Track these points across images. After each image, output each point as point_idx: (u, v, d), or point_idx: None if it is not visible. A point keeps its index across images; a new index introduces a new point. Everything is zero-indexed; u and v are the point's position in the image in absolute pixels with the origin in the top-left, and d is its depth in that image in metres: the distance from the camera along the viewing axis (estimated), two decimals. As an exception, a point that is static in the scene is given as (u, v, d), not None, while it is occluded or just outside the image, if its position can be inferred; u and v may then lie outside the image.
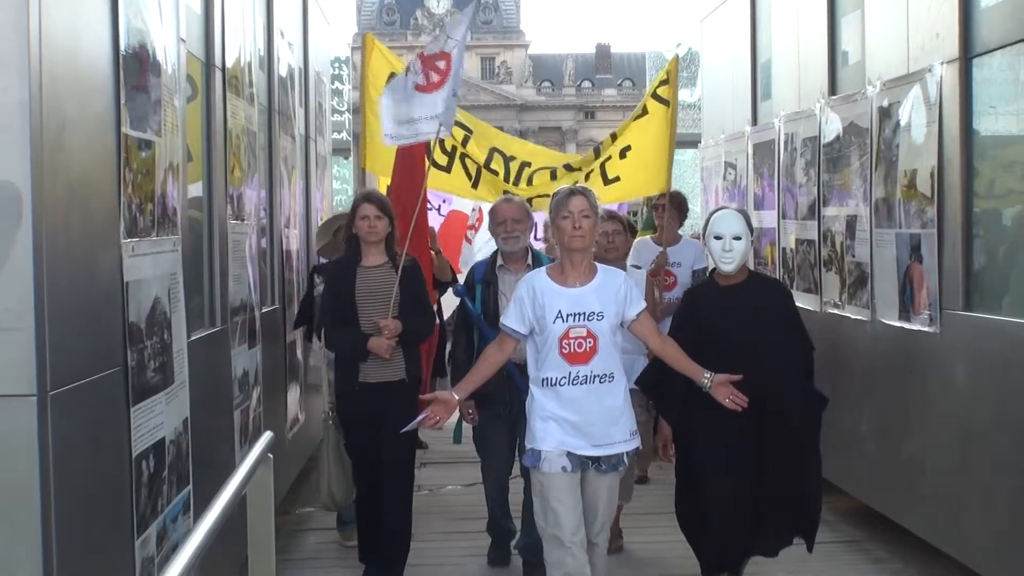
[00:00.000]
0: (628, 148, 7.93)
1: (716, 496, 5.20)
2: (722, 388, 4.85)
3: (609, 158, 7.97)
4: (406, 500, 6.00)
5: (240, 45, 5.90)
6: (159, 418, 4.12)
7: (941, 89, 5.73)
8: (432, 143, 6.66)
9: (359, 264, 5.87)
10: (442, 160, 7.69)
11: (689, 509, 5.43)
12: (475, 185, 7.90)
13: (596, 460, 4.72)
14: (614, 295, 4.72)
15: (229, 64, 5.58)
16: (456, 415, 5.71)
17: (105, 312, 3.63)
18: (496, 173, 7.84)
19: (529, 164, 7.89)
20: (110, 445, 3.65)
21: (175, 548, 4.13)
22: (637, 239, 7.95)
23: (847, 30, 7.34)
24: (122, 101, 3.75)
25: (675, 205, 7.71)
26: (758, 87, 9.25)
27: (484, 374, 4.90)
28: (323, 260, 7.07)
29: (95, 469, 3.51)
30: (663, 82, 7.84)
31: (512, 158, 7.95)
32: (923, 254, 5.94)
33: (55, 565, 3.13)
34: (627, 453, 4.81)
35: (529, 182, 7.80)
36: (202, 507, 4.46)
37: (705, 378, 4.86)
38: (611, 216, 6.39)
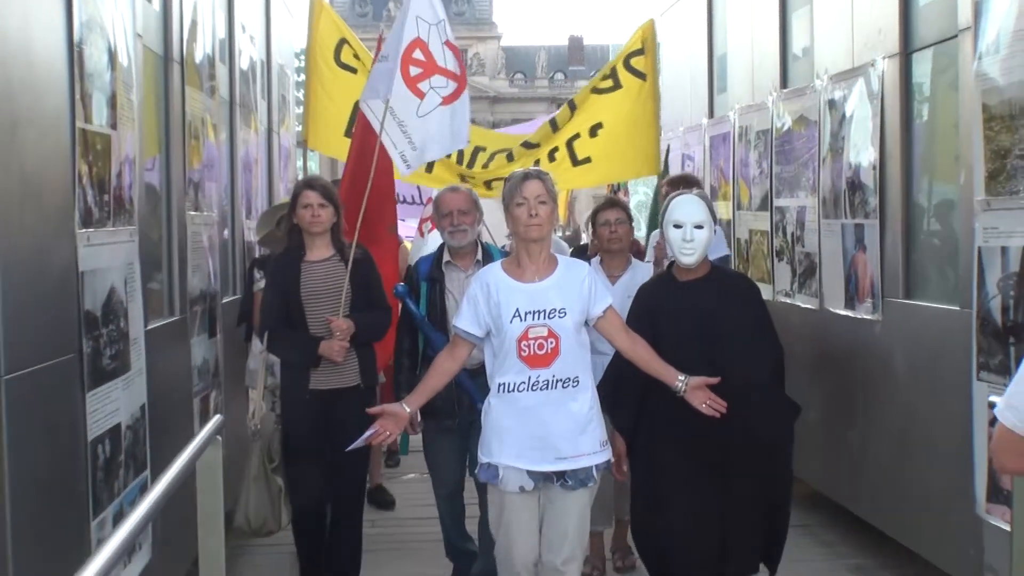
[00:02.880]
0: (599, 126, 7.39)
1: (679, 517, 4.66)
2: (698, 393, 4.40)
3: (577, 136, 7.41)
4: (357, 520, 5.65)
5: (200, 39, 5.99)
6: (115, 404, 4.22)
7: (883, 83, 5.89)
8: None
9: (303, 259, 5.42)
10: None
11: (648, 531, 4.86)
12: (429, 169, 7.29)
13: (561, 475, 4.27)
14: (577, 290, 4.29)
15: (188, 58, 5.68)
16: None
17: (60, 300, 3.73)
18: (448, 155, 7.12)
19: (484, 148, 7.49)
20: (65, 429, 3.75)
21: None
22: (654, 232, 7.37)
23: (798, 25, 7.50)
24: (76, 96, 3.85)
25: (688, 188, 7.17)
26: (714, 80, 9.40)
27: (436, 384, 4.46)
28: (263, 252, 6.70)
29: (50, 452, 3.62)
30: (637, 51, 7.36)
31: (481, 148, 7.51)
32: (866, 244, 6.11)
33: (9, 545, 3.23)
34: (597, 466, 4.33)
35: (485, 165, 7.35)
36: (160, 491, 4.60)
37: (679, 381, 4.40)
38: (612, 203, 5.92)
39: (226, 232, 6.84)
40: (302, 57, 8.21)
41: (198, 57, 5.94)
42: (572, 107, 7.50)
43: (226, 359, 6.52)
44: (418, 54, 5.99)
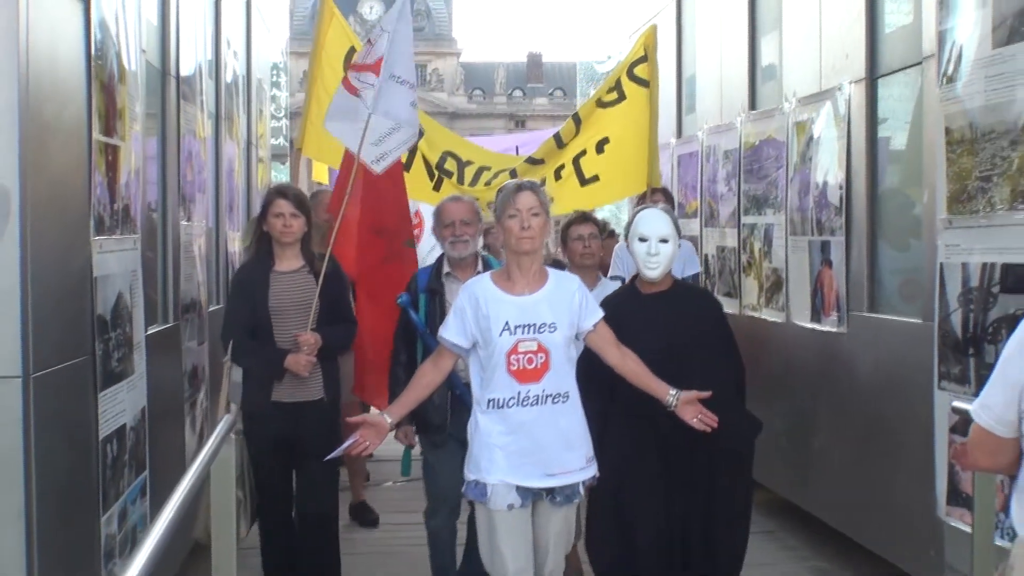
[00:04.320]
0: (606, 140, 7.17)
1: (640, 528, 4.70)
2: (689, 408, 4.33)
3: (584, 153, 7.19)
4: (331, 529, 5.54)
5: (192, 54, 6.17)
6: (122, 405, 4.39)
7: (850, 106, 6.18)
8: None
9: (272, 269, 5.30)
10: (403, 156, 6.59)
11: (605, 542, 4.85)
12: (436, 187, 7.14)
13: (550, 491, 4.20)
14: (568, 303, 4.21)
15: (183, 73, 5.86)
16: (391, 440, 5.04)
17: (77, 304, 3.91)
18: (450, 175, 7.17)
19: (488, 168, 7.28)
20: (81, 427, 3.93)
21: (134, 529, 4.46)
22: (619, 245, 7.31)
23: (766, 48, 7.79)
24: (93, 108, 4.04)
25: (667, 201, 7.01)
26: (683, 101, 9.68)
27: (418, 395, 4.35)
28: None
29: (69, 448, 3.79)
30: (640, 59, 7.16)
31: (468, 162, 7.30)
32: (832, 260, 6.38)
33: (35, 534, 3.41)
34: (583, 482, 4.28)
35: (488, 183, 7.05)
36: (157, 491, 4.77)
37: (670, 396, 4.33)
38: (584, 217, 5.86)
39: (211, 243, 7.00)
40: (275, 72, 8.28)
41: (191, 71, 6.12)
42: (577, 121, 7.28)
43: (212, 368, 6.67)
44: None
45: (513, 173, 6.99)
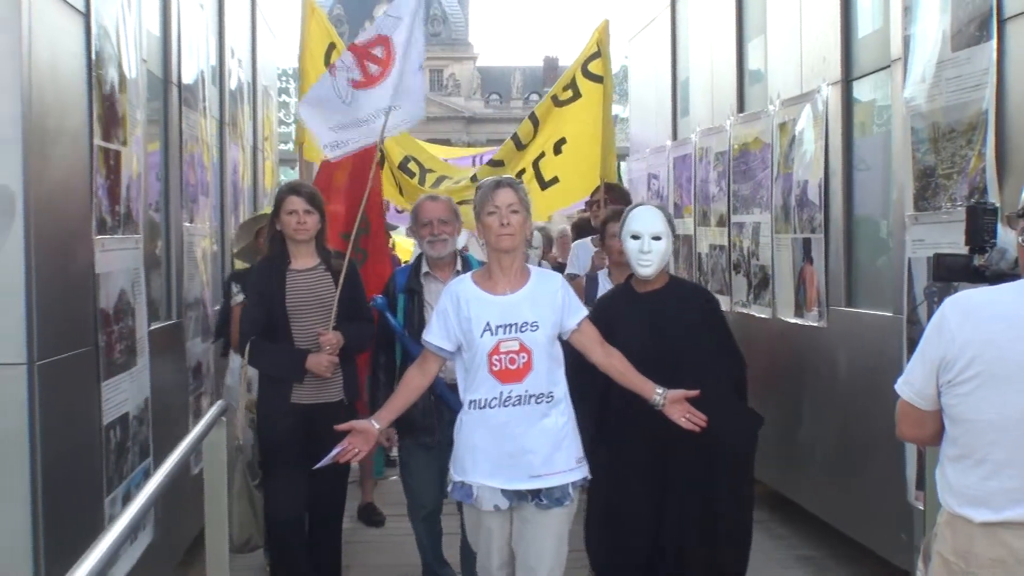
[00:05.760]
0: (563, 141, 7.15)
1: (637, 531, 4.67)
2: (677, 407, 4.25)
3: (543, 155, 7.17)
4: (337, 535, 5.55)
5: (195, 63, 6.43)
6: (124, 394, 4.66)
7: (827, 108, 6.40)
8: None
9: (288, 267, 5.22)
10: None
11: (604, 544, 4.82)
12: (402, 191, 7.26)
13: (536, 493, 4.11)
14: (550, 302, 4.15)
15: (185, 81, 6.12)
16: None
17: (80, 298, 4.19)
18: (412, 175, 7.23)
19: (449, 177, 7.37)
20: (85, 413, 4.20)
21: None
22: (575, 242, 7.43)
23: (753, 53, 8.01)
24: (94, 116, 4.30)
25: (616, 198, 6.77)
26: (678, 104, 9.91)
27: (406, 400, 4.31)
28: (237, 267, 6.56)
29: (73, 433, 4.05)
30: (594, 55, 7.12)
31: (430, 170, 7.37)
32: (813, 256, 6.60)
33: (40, 514, 3.67)
34: (572, 484, 4.17)
35: (448, 190, 6.95)
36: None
37: (657, 394, 4.25)
38: (617, 215, 5.46)
39: (215, 245, 7.26)
40: (283, 77, 8.49)
41: (194, 79, 6.38)
42: (534, 121, 7.27)
43: (216, 364, 6.92)
44: (379, 50, 5.92)
45: (474, 178, 6.96)
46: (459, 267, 5.23)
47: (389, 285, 5.40)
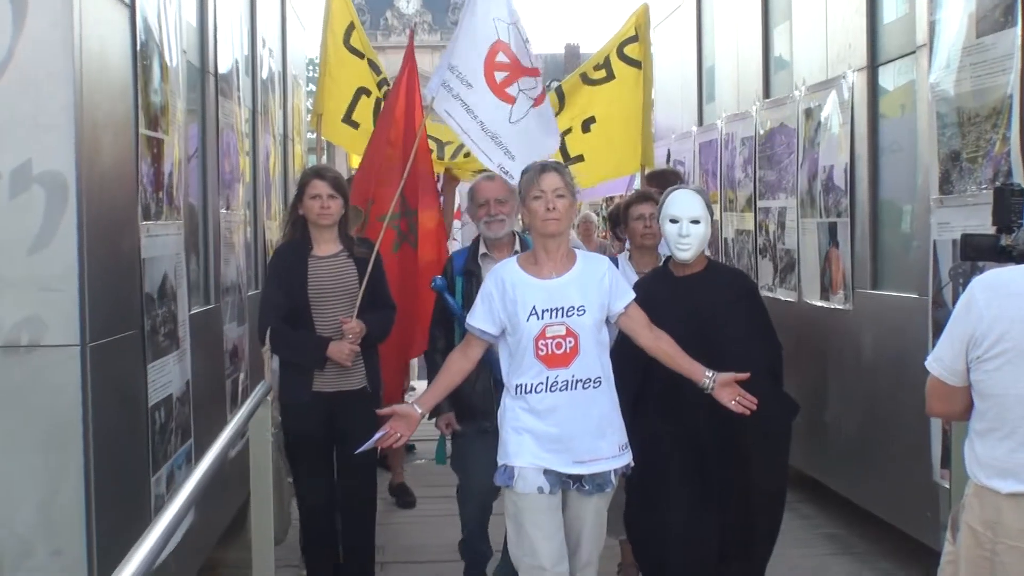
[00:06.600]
0: (592, 120, 7.15)
1: (676, 517, 4.59)
2: (726, 390, 4.20)
3: (569, 131, 7.11)
4: (368, 530, 5.46)
5: (230, 53, 6.56)
6: (168, 376, 4.79)
7: (853, 93, 6.47)
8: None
9: (310, 253, 5.19)
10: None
11: (645, 532, 4.78)
12: None
13: (579, 479, 4.09)
14: (597, 285, 4.11)
15: (221, 71, 6.24)
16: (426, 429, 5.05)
17: (128, 282, 4.31)
18: (429, 151, 6.94)
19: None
20: (132, 394, 4.33)
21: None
22: None
23: (779, 39, 8.08)
24: (139, 106, 4.43)
25: (661, 185, 6.28)
26: (703, 90, 9.99)
27: (448, 384, 4.28)
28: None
29: (122, 413, 4.19)
30: (631, 39, 7.12)
31: (448, 142, 7.31)
32: (839, 240, 6.68)
33: (93, 492, 3.80)
34: (615, 471, 4.17)
35: (467, 155, 6.92)
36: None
37: (707, 378, 4.21)
38: (645, 196, 5.56)
39: (249, 231, 7.39)
40: (312, 68, 8.52)
41: (229, 69, 6.50)
42: (560, 95, 7.23)
43: (251, 348, 7.05)
44: (502, 57, 5.77)
45: None
46: (518, 247, 5.15)
47: (448, 267, 5.37)
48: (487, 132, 5.78)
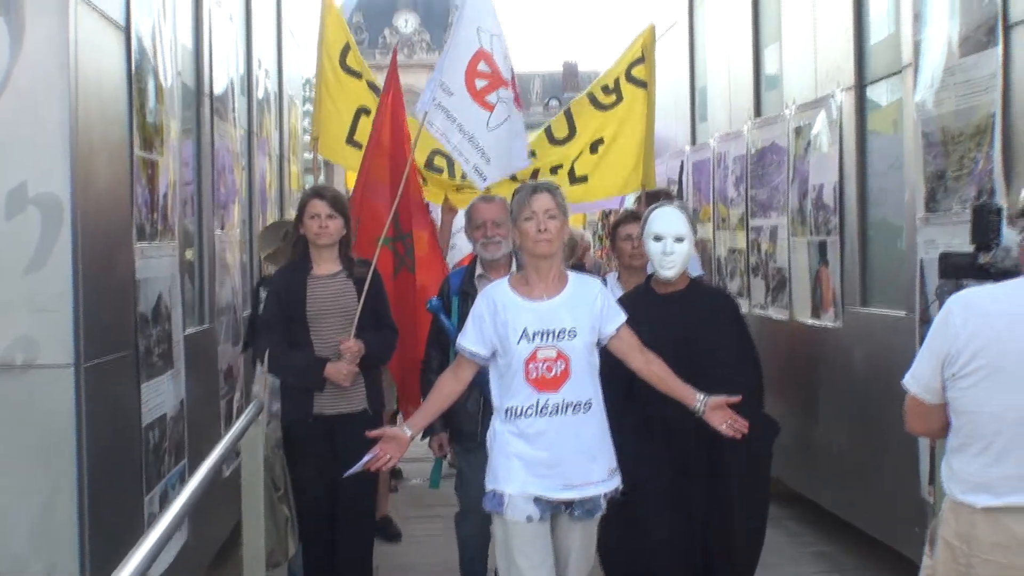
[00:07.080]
0: (600, 142, 7.22)
1: (660, 538, 4.60)
2: (718, 413, 4.17)
3: (580, 154, 7.22)
4: (367, 552, 5.44)
5: (225, 74, 6.62)
6: (162, 397, 4.84)
7: (841, 112, 6.54)
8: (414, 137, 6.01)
9: (310, 273, 5.18)
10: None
11: (625, 552, 4.73)
12: (424, 182, 7.04)
13: (569, 504, 4.06)
14: (588, 308, 4.07)
15: (216, 91, 6.30)
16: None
17: (122, 303, 4.37)
18: (440, 170, 7.14)
19: None
20: (126, 414, 4.38)
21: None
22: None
23: (769, 58, 8.15)
24: (134, 127, 4.49)
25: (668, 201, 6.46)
26: (696, 109, 10.06)
27: (439, 406, 4.23)
28: (266, 273, 6.44)
29: (115, 432, 4.23)
30: (638, 60, 7.18)
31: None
32: (829, 258, 6.74)
33: (87, 510, 3.84)
34: (604, 495, 4.12)
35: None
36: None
37: (698, 401, 4.18)
38: (634, 216, 5.58)
39: (243, 252, 7.44)
40: (308, 87, 8.56)
41: (224, 91, 6.57)
42: (569, 118, 7.30)
43: (246, 368, 7.09)
44: (483, 66, 5.88)
45: None
46: (514, 269, 5.10)
47: (444, 287, 5.37)
48: (465, 133, 5.92)
